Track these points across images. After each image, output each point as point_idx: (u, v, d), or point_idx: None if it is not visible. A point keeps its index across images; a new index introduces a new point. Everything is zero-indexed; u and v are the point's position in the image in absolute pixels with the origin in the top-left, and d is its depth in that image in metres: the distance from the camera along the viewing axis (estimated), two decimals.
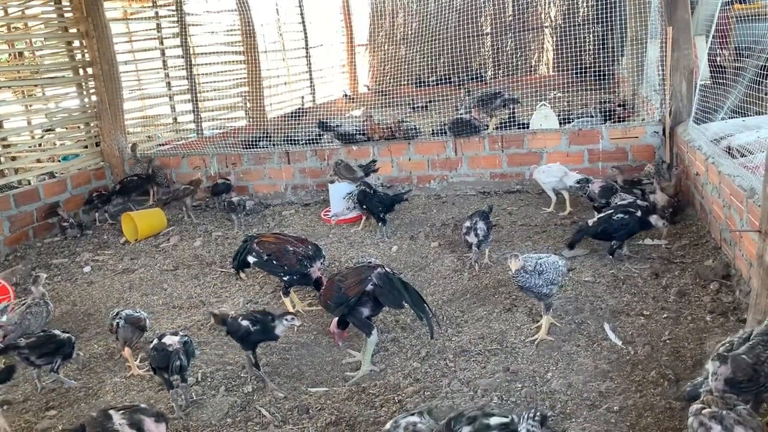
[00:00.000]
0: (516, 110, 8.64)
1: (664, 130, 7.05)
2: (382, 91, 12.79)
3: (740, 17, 6.91)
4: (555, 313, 4.44)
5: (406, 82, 13.53)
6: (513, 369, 3.88)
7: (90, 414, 3.31)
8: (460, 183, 7.92)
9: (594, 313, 4.45)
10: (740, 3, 6.82)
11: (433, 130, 8.41)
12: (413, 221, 6.95)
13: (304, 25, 14.18)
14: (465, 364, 4.01)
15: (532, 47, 15.38)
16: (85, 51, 8.73)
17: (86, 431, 3.05)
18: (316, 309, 5.03)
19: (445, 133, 7.94)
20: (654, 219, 5.26)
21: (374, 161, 7.47)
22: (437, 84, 13.37)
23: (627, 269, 5.09)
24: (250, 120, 11.01)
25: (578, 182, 6.39)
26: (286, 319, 3.99)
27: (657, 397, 3.43)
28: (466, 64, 13.90)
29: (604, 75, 11.04)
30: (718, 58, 7.27)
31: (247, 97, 11.20)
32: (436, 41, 12.06)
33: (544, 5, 15.26)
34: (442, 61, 13.97)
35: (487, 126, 8.04)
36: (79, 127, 9.09)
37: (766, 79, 5.32)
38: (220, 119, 11.03)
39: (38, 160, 9.20)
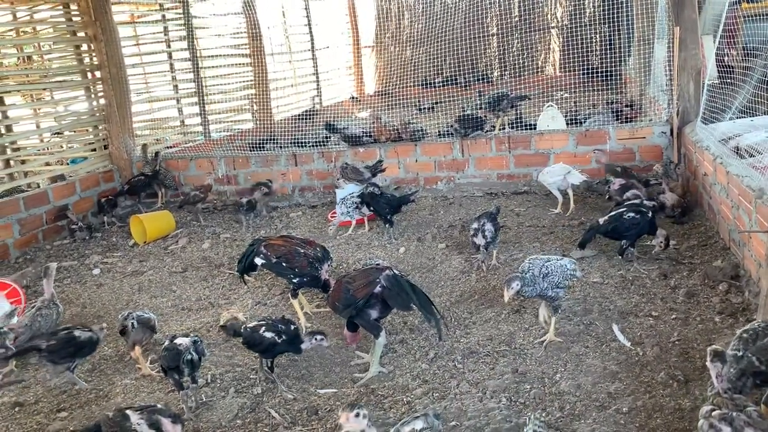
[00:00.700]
0: (523, 111, 8.63)
1: (671, 131, 7.03)
2: (387, 93, 12.79)
3: (748, 16, 6.88)
4: (563, 314, 4.45)
5: (412, 84, 13.53)
6: (522, 370, 3.88)
7: (105, 414, 3.33)
8: (467, 184, 7.92)
9: (602, 314, 4.44)
10: (748, 2, 6.79)
11: (439, 132, 8.41)
12: (420, 223, 6.96)
13: (310, 27, 14.21)
14: (473, 365, 4.02)
15: (539, 48, 15.36)
16: (93, 54, 8.79)
17: (101, 431, 3.08)
18: (323, 311, 5.05)
19: (455, 129, 7.91)
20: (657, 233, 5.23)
21: (381, 161, 7.48)
22: (443, 85, 13.37)
23: (635, 270, 5.08)
24: (257, 122, 11.05)
25: (585, 182, 6.41)
26: (315, 338, 3.98)
27: (666, 398, 3.43)
28: (472, 65, 13.88)
29: (611, 75, 11.02)
30: (725, 58, 7.25)
31: (254, 100, 11.23)
32: (442, 42, 12.06)
33: (551, 6, 15.23)
34: (448, 62, 13.95)
35: (494, 127, 8.04)
36: (87, 130, 9.16)
37: None
38: (227, 122, 11.07)
39: (47, 164, 9.26)
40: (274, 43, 12.68)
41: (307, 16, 14.17)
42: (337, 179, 7.49)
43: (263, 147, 8.94)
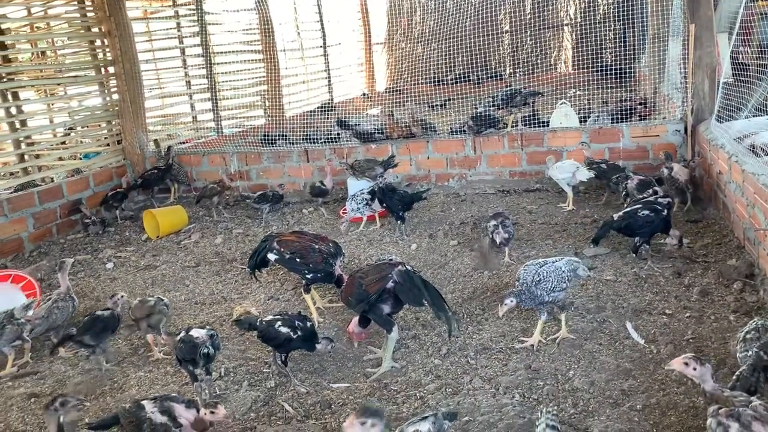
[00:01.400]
0: (537, 108, 8.60)
1: (685, 129, 6.99)
2: (399, 90, 12.79)
3: (764, 14, 6.83)
4: (576, 312, 4.44)
5: (423, 81, 13.52)
6: (535, 367, 3.87)
7: (122, 405, 3.38)
8: (479, 181, 7.91)
9: (616, 312, 4.43)
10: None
11: (451, 128, 8.40)
12: (432, 219, 6.96)
13: (322, 24, 14.22)
14: (486, 361, 4.02)
15: (552, 45, 15.31)
16: (107, 50, 8.85)
17: (119, 422, 3.13)
18: (336, 306, 5.06)
19: (468, 126, 7.88)
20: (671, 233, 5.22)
21: (393, 156, 7.49)
22: (455, 82, 13.34)
23: (649, 268, 5.06)
24: (269, 118, 11.08)
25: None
26: (332, 345, 4.15)
27: (680, 395, 3.42)
28: (484, 62, 13.84)
29: (625, 73, 10.96)
30: (740, 56, 7.20)
31: (266, 96, 11.26)
32: (454, 39, 12.04)
33: (564, 3, 15.17)
34: (459, 59, 13.93)
35: (506, 125, 8.02)
36: (100, 125, 9.21)
37: None
38: (240, 117, 11.11)
39: (60, 158, 9.33)
40: (286, 39, 12.71)
41: (319, 13, 14.18)
42: (348, 172, 7.44)
43: (275, 143, 8.96)
